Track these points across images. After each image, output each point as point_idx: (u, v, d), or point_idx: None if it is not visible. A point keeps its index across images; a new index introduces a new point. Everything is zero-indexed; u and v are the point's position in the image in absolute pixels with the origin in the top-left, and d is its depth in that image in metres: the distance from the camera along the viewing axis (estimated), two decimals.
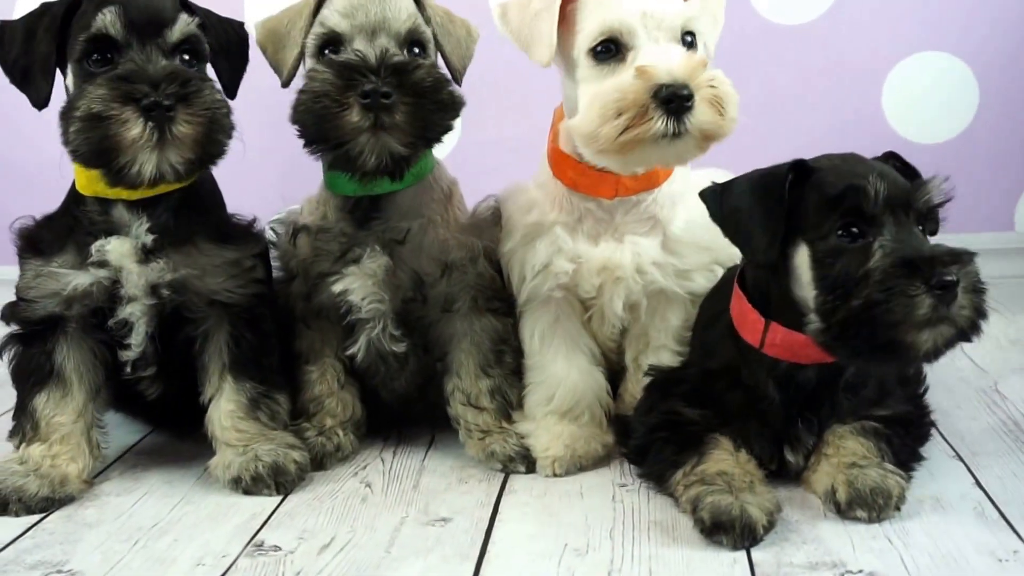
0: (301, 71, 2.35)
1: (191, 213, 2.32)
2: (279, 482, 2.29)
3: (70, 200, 2.33)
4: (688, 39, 2.19)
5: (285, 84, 2.36)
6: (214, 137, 2.18)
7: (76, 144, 2.13)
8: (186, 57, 2.23)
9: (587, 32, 2.19)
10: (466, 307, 2.43)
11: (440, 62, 2.38)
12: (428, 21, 2.33)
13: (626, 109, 2.08)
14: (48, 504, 2.24)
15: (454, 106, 2.26)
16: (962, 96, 3.29)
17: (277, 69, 2.39)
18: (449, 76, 2.32)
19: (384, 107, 2.14)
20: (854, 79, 3.29)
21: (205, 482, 2.38)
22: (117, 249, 2.26)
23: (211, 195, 2.42)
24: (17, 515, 2.21)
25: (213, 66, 2.34)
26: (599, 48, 2.18)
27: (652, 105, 2.06)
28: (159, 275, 2.27)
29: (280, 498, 2.27)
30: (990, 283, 3.22)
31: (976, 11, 3.23)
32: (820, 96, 3.30)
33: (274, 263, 2.52)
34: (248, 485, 2.29)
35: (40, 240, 2.32)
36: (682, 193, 2.36)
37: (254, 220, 2.48)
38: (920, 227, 2.02)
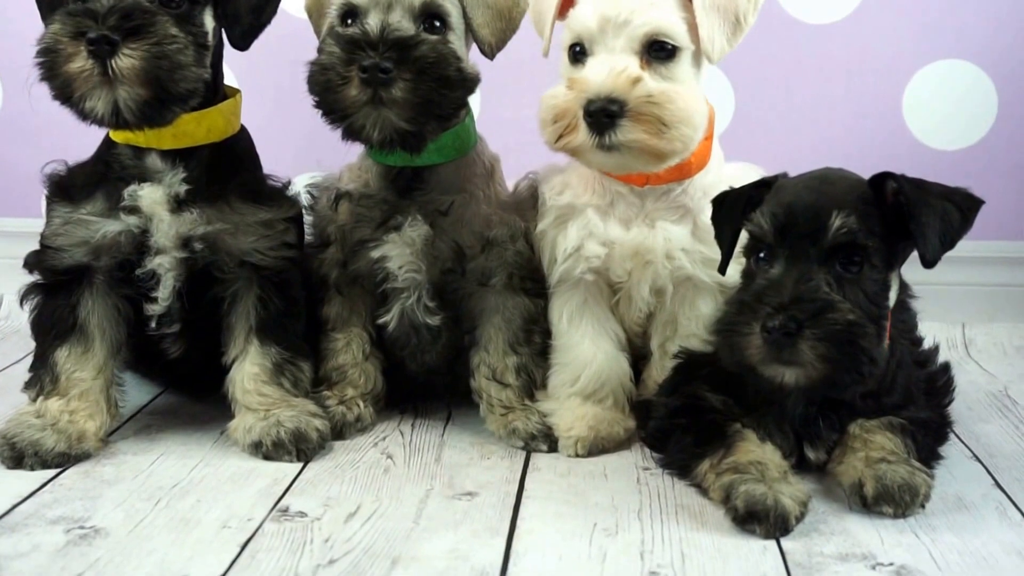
0: None
1: (226, 169, 2.30)
2: (300, 449, 2.27)
3: (103, 147, 2.31)
4: (656, 48, 2.17)
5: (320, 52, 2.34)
6: (165, 73, 2.08)
7: (40, 76, 2.10)
8: None
9: (566, 32, 2.25)
10: (502, 283, 2.42)
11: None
12: None
13: (560, 117, 2.16)
14: (64, 460, 2.21)
15: (464, 82, 2.25)
16: (981, 105, 3.31)
17: (318, 35, 2.39)
18: (459, 53, 2.28)
19: (382, 82, 2.13)
20: (876, 81, 3.30)
21: (222, 445, 2.36)
22: (150, 196, 2.23)
23: (247, 154, 2.40)
24: (32, 469, 2.19)
25: (224, 11, 2.23)
26: (574, 49, 2.25)
27: (580, 117, 2.11)
28: (191, 227, 2.24)
29: (301, 465, 2.25)
30: (996, 291, 3.31)
31: (1000, 22, 3.25)
32: (841, 95, 3.31)
33: (307, 228, 2.50)
34: (269, 450, 2.27)
35: (71, 186, 2.29)
36: (715, 184, 2.35)
37: (288, 183, 2.47)
38: (842, 262, 1.98)
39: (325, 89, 2.18)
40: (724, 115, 3.32)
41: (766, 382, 1.99)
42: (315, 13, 2.39)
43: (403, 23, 2.20)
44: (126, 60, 2.04)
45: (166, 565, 1.80)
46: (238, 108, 2.37)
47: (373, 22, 2.19)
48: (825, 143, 3.30)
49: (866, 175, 2.09)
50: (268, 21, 2.29)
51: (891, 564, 1.84)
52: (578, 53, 2.24)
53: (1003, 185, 3.30)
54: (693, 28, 2.20)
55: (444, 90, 2.19)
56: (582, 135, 2.13)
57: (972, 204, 2.04)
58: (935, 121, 3.33)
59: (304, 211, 2.50)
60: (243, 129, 2.40)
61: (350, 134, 2.22)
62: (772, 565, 1.83)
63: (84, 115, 2.12)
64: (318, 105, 2.22)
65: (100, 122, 2.13)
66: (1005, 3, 3.26)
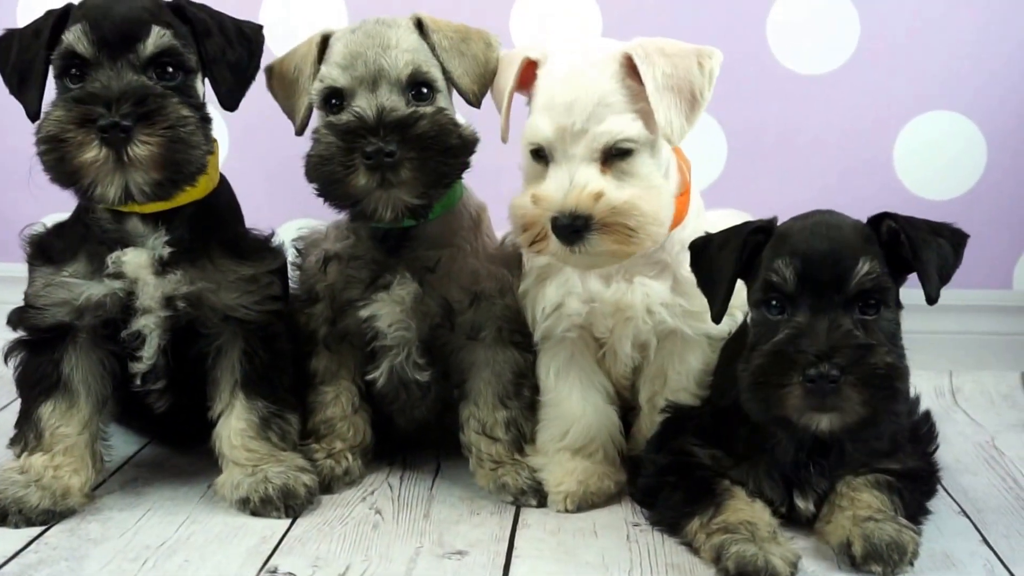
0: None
1: (208, 227, 2.29)
2: (289, 505, 2.25)
3: (81, 209, 2.29)
4: (618, 150, 2.17)
5: (298, 133, 2.35)
6: (181, 156, 2.09)
7: (44, 166, 2.08)
8: (169, 70, 2.14)
9: (524, 139, 2.25)
10: (491, 336, 2.42)
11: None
12: (434, 49, 2.29)
13: (529, 227, 2.19)
14: (49, 517, 2.20)
15: (465, 148, 2.25)
16: (971, 156, 3.34)
17: (290, 116, 2.38)
18: (453, 116, 2.27)
19: (389, 166, 2.13)
20: (868, 132, 3.32)
21: (210, 500, 2.35)
22: (134, 261, 2.22)
23: (228, 208, 2.39)
24: (17, 527, 2.17)
25: (211, 75, 2.23)
26: (533, 149, 2.24)
27: (549, 228, 2.14)
28: (175, 287, 2.23)
29: (289, 521, 2.24)
30: (984, 339, 3.32)
31: (989, 74, 3.28)
32: (834, 145, 3.33)
33: (292, 282, 2.50)
34: (257, 507, 2.25)
35: (51, 248, 2.28)
36: (693, 237, 2.35)
37: (272, 235, 2.46)
38: (860, 306, 2.00)
39: (329, 181, 2.17)
40: (716, 164, 3.34)
41: (797, 431, 2.00)
42: (282, 93, 2.38)
43: (394, 100, 2.19)
44: (143, 148, 2.04)
45: None
46: (216, 160, 2.35)
47: (365, 104, 2.17)
48: (817, 193, 3.28)
49: None
50: (252, 78, 2.30)
51: None
52: (539, 152, 2.24)
53: (991, 235, 3.32)
54: (649, 116, 2.17)
55: (450, 160, 2.20)
56: (554, 244, 2.16)
57: (960, 239, 2.09)
58: (925, 171, 3.35)
59: (290, 265, 2.50)
60: (222, 180, 2.39)
61: (361, 217, 2.22)
62: None
63: (90, 199, 2.11)
64: (322, 195, 2.21)
65: (105, 203, 2.13)
66: (993, 55, 3.28)
